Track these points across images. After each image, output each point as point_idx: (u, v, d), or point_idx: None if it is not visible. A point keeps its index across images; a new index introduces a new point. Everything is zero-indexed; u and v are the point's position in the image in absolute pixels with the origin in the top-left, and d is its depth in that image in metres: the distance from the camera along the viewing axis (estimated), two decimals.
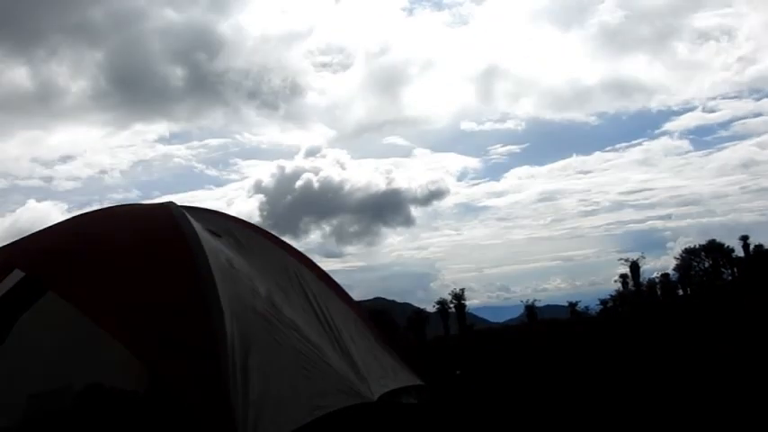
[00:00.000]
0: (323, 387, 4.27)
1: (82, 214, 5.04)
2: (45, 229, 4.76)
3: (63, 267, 4.09)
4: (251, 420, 3.48)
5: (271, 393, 3.77)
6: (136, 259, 4.17)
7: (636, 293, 37.16)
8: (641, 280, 44.23)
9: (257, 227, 5.93)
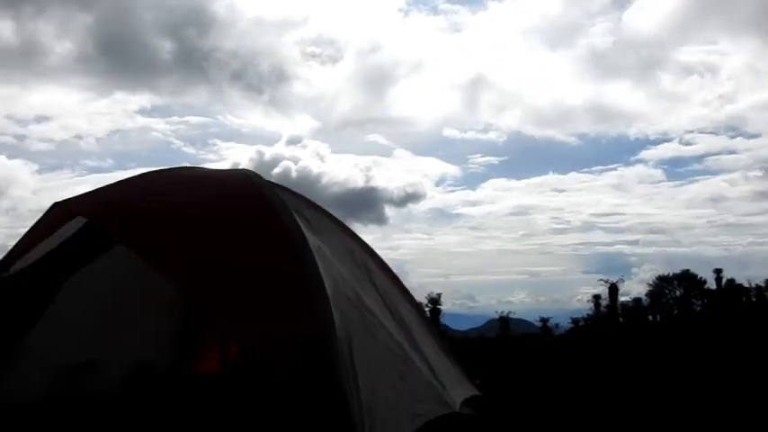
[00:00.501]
0: (417, 393, 3.81)
1: (146, 174, 4.37)
2: (110, 186, 4.12)
3: (146, 225, 3.52)
4: (367, 425, 3.01)
5: (378, 396, 3.30)
6: (227, 230, 3.62)
7: (612, 315, 37.46)
8: (607, 303, 44.40)
9: (321, 207, 5.37)
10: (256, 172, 4.36)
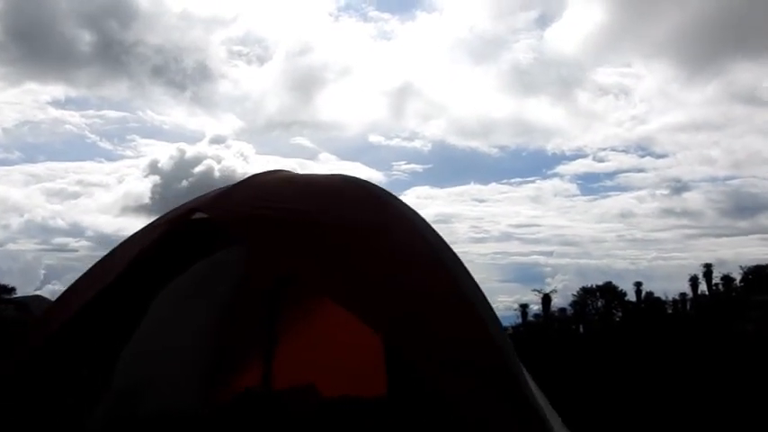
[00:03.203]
0: (555, 422, 3.62)
1: (260, 177, 3.86)
2: (231, 189, 3.64)
3: (292, 235, 3.12)
4: None
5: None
6: (371, 244, 3.28)
7: (546, 324, 38.80)
8: (534, 311, 46.10)
9: None
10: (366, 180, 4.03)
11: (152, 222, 3.72)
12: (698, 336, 23.96)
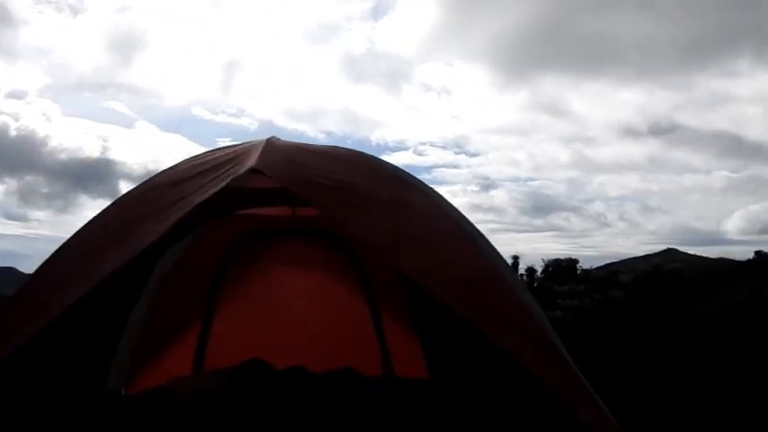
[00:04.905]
0: None
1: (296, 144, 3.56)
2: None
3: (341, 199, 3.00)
4: None
5: None
6: (422, 221, 3.25)
7: None
8: None
9: None
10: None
11: (168, 176, 3.32)
12: None
